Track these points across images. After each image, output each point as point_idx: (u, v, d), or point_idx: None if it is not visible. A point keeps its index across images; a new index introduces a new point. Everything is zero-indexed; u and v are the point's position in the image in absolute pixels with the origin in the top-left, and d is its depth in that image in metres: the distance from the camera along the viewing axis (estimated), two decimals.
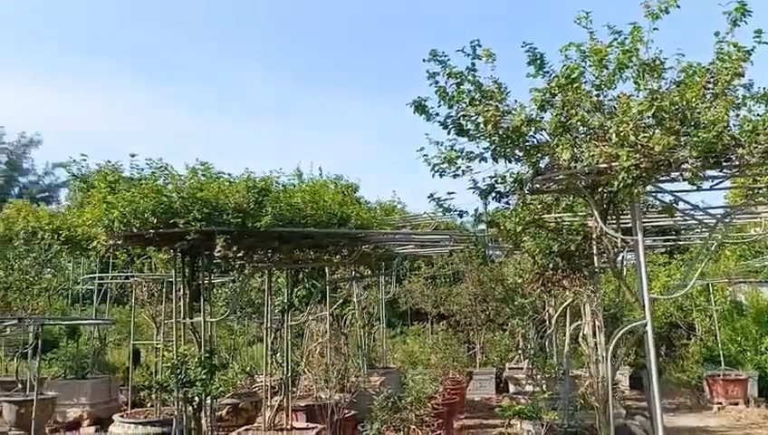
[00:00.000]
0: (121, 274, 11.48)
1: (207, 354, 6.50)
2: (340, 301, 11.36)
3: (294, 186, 6.85)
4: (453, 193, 5.46)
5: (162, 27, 47.03)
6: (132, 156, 6.44)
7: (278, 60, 48.99)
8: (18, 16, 46.01)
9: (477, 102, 5.09)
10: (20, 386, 10.96)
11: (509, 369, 14.27)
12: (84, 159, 6.77)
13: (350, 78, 50.41)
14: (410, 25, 42.76)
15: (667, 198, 5.77)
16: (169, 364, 6.37)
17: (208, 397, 6.47)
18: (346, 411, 8.36)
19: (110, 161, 6.62)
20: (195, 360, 6.31)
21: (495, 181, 5.37)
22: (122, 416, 8.70)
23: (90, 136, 44.68)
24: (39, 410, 8.84)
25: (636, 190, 5.01)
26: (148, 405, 9.09)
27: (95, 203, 6.17)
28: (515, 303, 11.63)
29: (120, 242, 6.48)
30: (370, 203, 10.61)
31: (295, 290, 8.47)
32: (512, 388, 13.41)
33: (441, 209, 5.50)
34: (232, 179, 6.46)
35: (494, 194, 5.42)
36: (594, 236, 6.18)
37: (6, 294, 7.47)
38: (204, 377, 6.22)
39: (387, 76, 48.38)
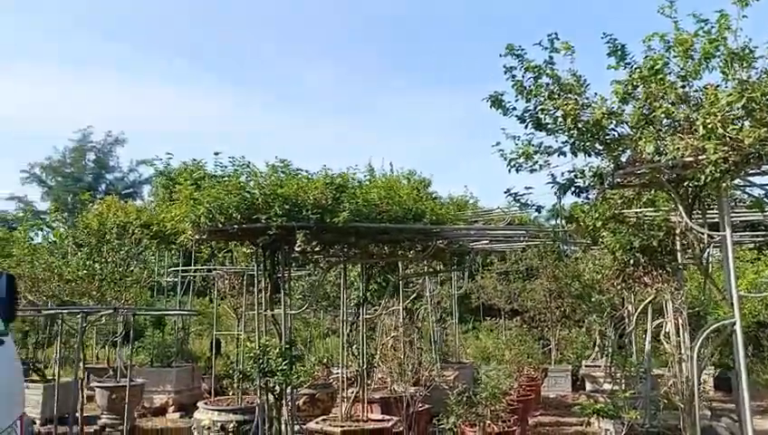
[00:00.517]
0: (204, 267, 11.95)
1: (287, 346, 6.71)
2: (413, 295, 11.44)
3: (369, 182, 6.95)
4: (531, 188, 5.41)
5: (234, 28, 48.38)
6: (216, 154, 6.71)
7: (349, 59, 49.57)
8: (106, 18, 48.38)
9: (556, 96, 5.02)
10: (111, 373, 11.62)
11: (585, 366, 13.98)
12: (170, 158, 7.10)
13: (418, 75, 50.41)
14: (476, 22, 42.31)
15: (757, 191, 5.53)
16: (252, 355, 6.61)
17: (288, 387, 6.68)
18: (420, 405, 8.43)
19: (194, 159, 6.92)
20: (276, 351, 6.52)
21: (574, 176, 5.28)
22: (206, 403, 9.08)
23: (170, 135, 46.63)
24: (129, 395, 9.36)
25: (724, 184, 4.83)
26: (230, 393, 9.45)
27: (182, 200, 6.47)
28: (592, 299, 11.39)
29: (204, 236, 6.77)
30: (442, 198, 10.64)
31: (369, 284, 8.61)
32: (588, 386, 13.13)
33: (518, 205, 5.45)
34: (310, 176, 6.63)
35: (573, 189, 5.33)
36: (678, 231, 6.00)
37: (101, 285, 7.96)
38: (284, 367, 6.42)
39: (454, 72, 48.11)
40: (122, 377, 11.16)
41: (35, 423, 9.14)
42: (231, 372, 10.92)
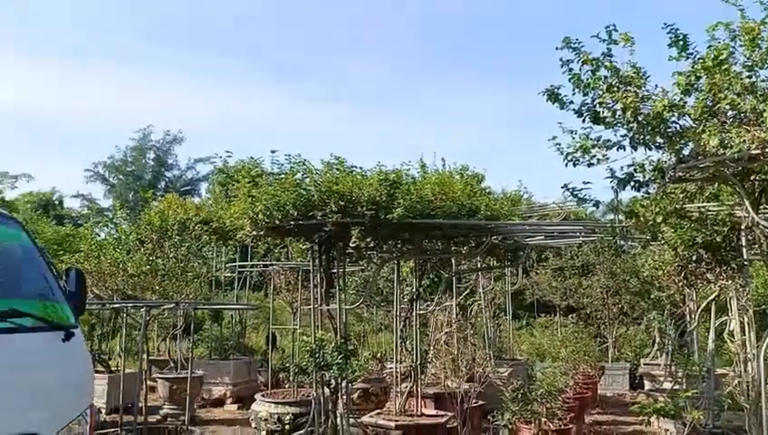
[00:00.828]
0: (260, 262, 12.20)
1: (343, 340, 6.79)
2: (467, 291, 11.40)
3: (423, 178, 6.96)
4: (589, 183, 5.31)
5: (288, 27, 49.02)
6: (273, 152, 6.84)
7: (396, 54, 49.55)
8: (165, 21, 49.76)
9: (615, 89, 4.92)
10: (172, 364, 12.02)
11: (644, 365, 13.65)
12: (229, 156, 7.28)
13: (465, 69, 50.01)
14: (522, 18, 41.65)
15: None
16: (308, 349, 6.72)
17: (344, 381, 6.77)
18: (474, 401, 8.41)
19: (252, 157, 7.07)
20: (331, 345, 6.62)
21: (634, 170, 5.16)
22: (263, 395, 9.29)
23: (225, 133, 47.70)
24: (190, 387, 9.65)
25: None
26: (286, 386, 9.63)
27: (240, 197, 6.63)
28: (652, 296, 11.11)
29: (262, 233, 6.91)
30: (495, 193, 10.55)
31: (422, 280, 8.63)
32: (647, 384, 12.82)
33: (576, 199, 5.36)
34: (364, 173, 6.69)
35: (632, 183, 5.22)
36: (743, 226, 5.80)
37: (163, 280, 8.25)
38: (340, 361, 6.51)
39: (501, 66, 47.51)
40: (182, 369, 11.53)
41: (101, 412, 9.53)
42: (287, 365, 11.15)
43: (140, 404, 7.70)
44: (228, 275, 14.53)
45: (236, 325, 14.01)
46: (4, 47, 47.59)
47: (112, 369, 11.38)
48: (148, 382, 10.23)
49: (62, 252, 10.54)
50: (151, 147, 39.74)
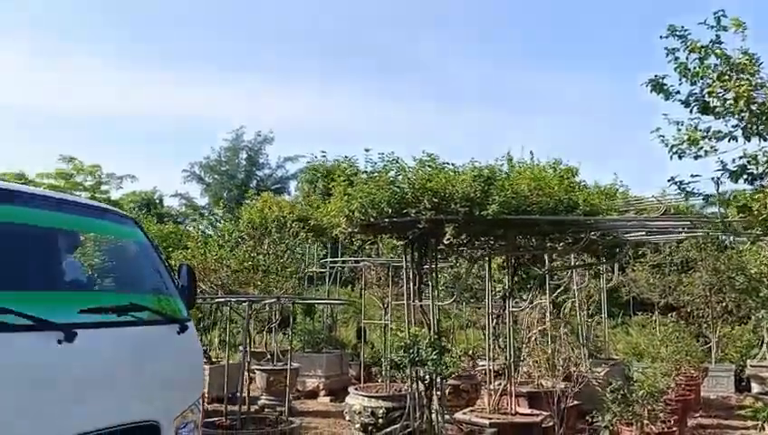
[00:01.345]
0: (352, 258, 12.43)
1: (437, 336, 6.82)
2: (561, 288, 11.15)
3: (519, 173, 6.87)
4: (698, 176, 5.08)
5: (373, 23, 49.43)
6: (366, 151, 6.96)
7: (479, 46, 48.92)
8: (252, 22, 51.41)
9: (726, 77, 4.68)
10: (268, 356, 12.46)
11: (752, 366, 12.90)
12: (324, 155, 7.46)
13: (550, 59, 48.66)
14: (618, 6, 40.01)
15: None
16: (402, 344, 6.79)
17: (438, 377, 6.80)
18: (569, 401, 8.23)
19: (346, 156, 7.22)
20: (425, 341, 6.66)
21: (747, 162, 4.89)
22: (356, 389, 9.46)
23: (315, 131, 48.77)
24: (285, 378, 9.97)
25: None
26: (379, 380, 9.77)
27: (337, 195, 6.78)
28: (761, 294, 10.47)
29: (356, 230, 7.04)
30: (590, 187, 10.22)
31: (514, 277, 8.52)
32: (755, 387, 12.12)
33: (684, 193, 5.13)
34: (457, 169, 6.68)
35: (745, 176, 4.95)
36: None
37: (264, 276, 8.59)
38: (434, 357, 6.54)
39: (587, 54, 45.87)
40: (278, 361, 11.94)
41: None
42: (378, 359, 11.31)
43: (239, 394, 8.02)
44: (318, 270, 14.89)
45: (328, 319, 14.33)
46: (110, 53, 50.63)
47: (213, 360, 11.93)
48: (246, 373, 10.64)
49: (170, 248, 11.15)
50: (243, 147, 41.21)
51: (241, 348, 11.99)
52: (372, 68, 53.23)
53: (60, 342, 3.35)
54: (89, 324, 3.66)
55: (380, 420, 8.63)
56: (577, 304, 11.62)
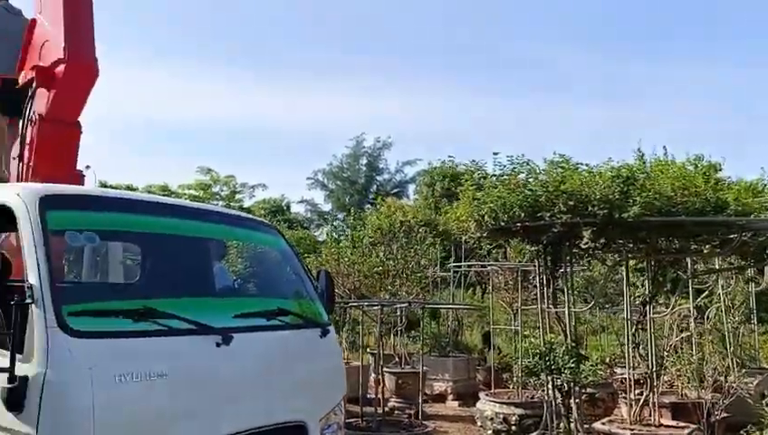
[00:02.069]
0: (479, 262, 12.32)
1: (573, 343, 6.60)
2: (705, 293, 10.41)
3: (661, 172, 6.49)
4: None
5: (483, 23, 48.85)
6: (495, 154, 6.87)
7: (601, 40, 46.88)
8: (368, 30, 52.56)
9: None
10: (396, 359, 12.60)
11: None
12: (452, 159, 7.44)
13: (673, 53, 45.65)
14: None
15: None
16: (537, 351, 6.64)
17: (576, 385, 6.58)
18: (718, 413, 7.67)
19: (474, 160, 7.16)
20: (562, 348, 6.46)
21: None
22: (487, 394, 9.36)
23: (428, 135, 48.97)
24: (414, 381, 10.06)
25: None
26: (510, 387, 9.61)
27: (465, 200, 6.75)
28: None
29: (486, 235, 6.97)
30: (736, 184, 9.46)
31: (655, 281, 8.05)
32: None
33: None
34: (592, 170, 6.43)
35: None
36: None
37: (394, 280, 8.72)
38: (572, 365, 6.33)
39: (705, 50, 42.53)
40: (406, 364, 12.05)
41: None
42: (507, 365, 11.13)
43: (373, 396, 8.20)
44: (443, 273, 14.89)
45: (453, 323, 14.29)
46: (234, 64, 53.67)
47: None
48: (375, 376, 10.83)
49: (302, 253, 11.62)
50: (364, 153, 42.16)
51: (369, 350, 12.27)
52: (483, 66, 52.67)
53: (218, 345, 3.56)
54: (242, 328, 3.87)
55: (513, 428, 8.48)
56: (723, 310, 10.78)
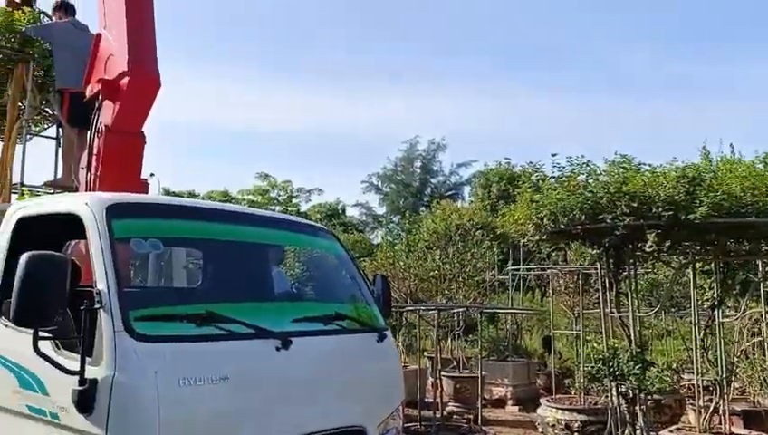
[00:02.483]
0: (538, 266, 12.11)
1: (639, 349, 6.39)
2: None
3: (730, 171, 6.22)
4: None
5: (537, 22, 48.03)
6: (553, 155, 6.72)
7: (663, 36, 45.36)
8: (421, 32, 52.47)
9: None
10: (454, 364, 12.49)
11: None
12: (508, 161, 7.34)
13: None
14: None
15: None
16: (600, 357, 6.46)
17: (642, 392, 6.36)
18: None
19: (531, 162, 7.04)
20: (626, 354, 6.27)
21: None
22: (548, 400, 9.18)
23: (482, 137, 48.48)
24: (472, 386, 9.95)
25: None
26: (572, 392, 9.39)
27: (523, 202, 6.64)
28: None
29: (545, 238, 6.83)
30: None
31: (723, 284, 7.72)
32: None
33: None
34: (655, 170, 6.22)
35: None
36: None
37: (451, 285, 8.66)
38: (637, 372, 6.13)
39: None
40: (463, 368, 11.93)
41: None
42: (568, 370, 10.88)
43: (431, 401, 8.16)
44: (501, 277, 14.70)
45: (512, 327, 14.08)
46: (288, 70, 54.54)
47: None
48: (433, 380, 10.77)
49: (358, 256, 11.70)
50: (418, 156, 42.16)
51: (425, 353, 12.22)
52: (540, 65, 51.84)
53: (278, 349, 3.60)
54: (301, 333, 3.90)
55: (575, 434, 8.29)
56: None
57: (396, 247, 10.60)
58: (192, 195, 29.11)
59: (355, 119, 56.82)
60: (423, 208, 37.66)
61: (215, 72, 53.14)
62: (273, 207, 27.64)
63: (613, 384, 6.48)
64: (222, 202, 27.48)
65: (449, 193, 40.01)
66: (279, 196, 29.65)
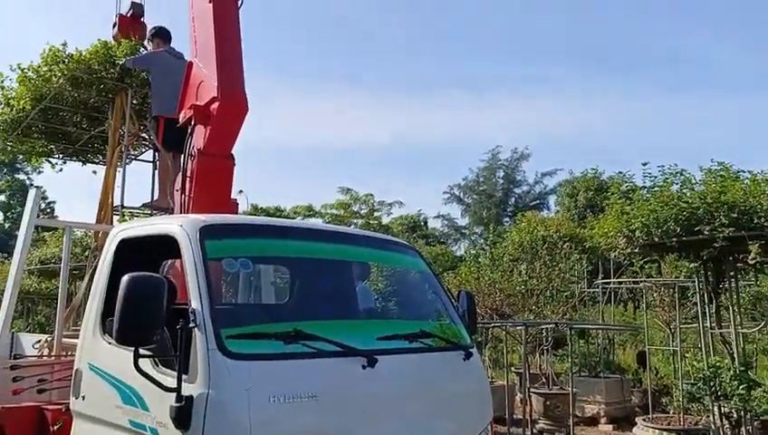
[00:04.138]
0: (630, 279, 11.63)
1: (743, 368, 6.01)
2: None
3: None
4: None
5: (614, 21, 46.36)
6: (644, 165, 6.48)
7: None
8: (491, 40, 51.91)
9: None
10: (543, 380, 12.15)
11: None
12: (595, 171, 7.11)
13: None
14: None
15: None
16: (700, 375, 6.12)
17: (748, 413, 5.97)
18: None
19: (621, 172, 6.79)
20: (729, 373, 5.91)
21: None
22: (645, 419, 8.77)
23: (567, 145, 47.21)
24: (563, 403, 9.63)
25: None
26: (669, 412, 8.93)
27: (612, 214, 6.41)
28: None
29: (637, 250, 6.56)
30: None
31: None
32: None
33: None
34: (756, 177, 5.86)
35: None
36: None
37: (539, 300, 8.46)
38: (741, 392, 5.76)
39: None
40: (553, 384, 11.57)
41: None
42: (664, 387, 10.35)
43: (520, 417, 7.96)
44: (590, 290, 14.20)
45: (604, 342, 13.56)
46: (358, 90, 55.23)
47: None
48: (521, 396, 10.51)
49: (440, 269, 11.63)
50: (500, 166, 41.62)
51: (513, 369, 11.96)
52: (624, 67, 50.04)
53: (364, 367, 3.60)
54: (386, 351, 3.89)
55: None
56: None
57: (480, 261, 10.44)
58: (278, 210, 29.93)
59: (433, 130, 56.90)
60: (507, 219, 37.08)
61: (299, 88, 54.65)
62: (355, 221, 28.00)
63: (715, 405, 6.11)
64: (306, 217, 28.16)
65: (534, 203, 39.23)
66: (361, 209, 29.98)
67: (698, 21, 46.12)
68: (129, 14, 8.23)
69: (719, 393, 5.89)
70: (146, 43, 7.96)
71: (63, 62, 7.21)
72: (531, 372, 13.68)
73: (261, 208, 27.47)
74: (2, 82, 7.90)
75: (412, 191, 67.64)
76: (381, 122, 55.89)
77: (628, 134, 48.30)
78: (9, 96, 7.85)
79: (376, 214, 33.35)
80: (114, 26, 8.21)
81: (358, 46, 56.20)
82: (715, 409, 6.13)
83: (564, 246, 10.03)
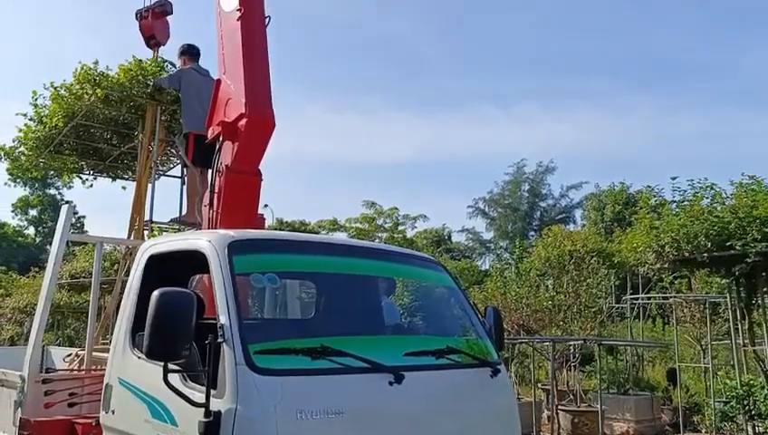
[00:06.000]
0: (659, 294, 11.45)
1: None
2: None
3: None
4: None
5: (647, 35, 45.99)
6: (673, 179, 6.39)
7: None
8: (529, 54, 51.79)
9: None
10: (570, 397, 11.98)
11: None
12: (623, 183, 7.01)
13: None
14: None
15: None
16: (733, 394, 5.98)
17: None
18: None
19: (649, 186, 6.71)
20: (764, 392, 5.76)
21: None
22: None
23: (594, 159, 46.77)
24: (591, 421, 9.47)
25: None
26: (702, 430, 8.73)
27: (641, 229, 6.32)
28: None
29: (666, 266, 6.46)
30: None
31: None
32: None
33: None
34: None
35: None
36: None
37: (566, 315, 8.35)
38: None
39: None
40: (581, 402, 11.40)
41: None
42: (695, 405, 10.13)
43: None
44: (618, 305, 13.99)
45: (633, 358, 13.32)
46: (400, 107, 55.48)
47: None
48: (548, 412, 10.38)
49: (466, 284, 11.56)
50: (525, 179, 41.36)
51: (540, 385, 11.79)
52: (651, 80, 49.56)
53: (391, 383, 3.58)
54: (413, 367, 3.86)
55: None
56: None
57: (506, 275, 10.36)
58: (303, 224, 30.05)
59: (456, 144, 56.85)
60: (532, 233, 36.77)
61: (326, 103, 55.11)
62: (379, 235, 28.00)
63: (749, 424, 5.96)
64: (331, 232, 28.22)
65: (560, 216, 38.88)
66: (385, 223, 29.97)
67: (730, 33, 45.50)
68: (156, 8, 8.30)
69: (753, 413, 5.74)
70: (176, 59, 8.08)
71: (95, 80, 7.34)
72: (558, 388, 13.51)
73: (286, 223, 27.60)
74: (35, 99, 8.08)
75: (437, 205, 67.51)
76: (405, 136, 56.02)
77: (655, 148, 47.67)
78: (42, 114, 8.03)
79: (400, 228, 33.31)
80: (138, 15, 8.30)
81: (386, 60, 56.54)
82: (749, 428, 5.97)
83: (591, 261, 9.90)
